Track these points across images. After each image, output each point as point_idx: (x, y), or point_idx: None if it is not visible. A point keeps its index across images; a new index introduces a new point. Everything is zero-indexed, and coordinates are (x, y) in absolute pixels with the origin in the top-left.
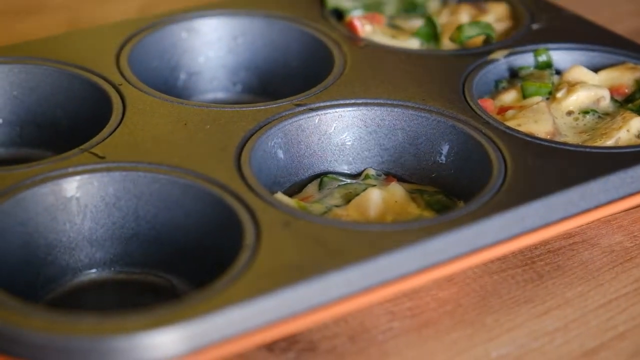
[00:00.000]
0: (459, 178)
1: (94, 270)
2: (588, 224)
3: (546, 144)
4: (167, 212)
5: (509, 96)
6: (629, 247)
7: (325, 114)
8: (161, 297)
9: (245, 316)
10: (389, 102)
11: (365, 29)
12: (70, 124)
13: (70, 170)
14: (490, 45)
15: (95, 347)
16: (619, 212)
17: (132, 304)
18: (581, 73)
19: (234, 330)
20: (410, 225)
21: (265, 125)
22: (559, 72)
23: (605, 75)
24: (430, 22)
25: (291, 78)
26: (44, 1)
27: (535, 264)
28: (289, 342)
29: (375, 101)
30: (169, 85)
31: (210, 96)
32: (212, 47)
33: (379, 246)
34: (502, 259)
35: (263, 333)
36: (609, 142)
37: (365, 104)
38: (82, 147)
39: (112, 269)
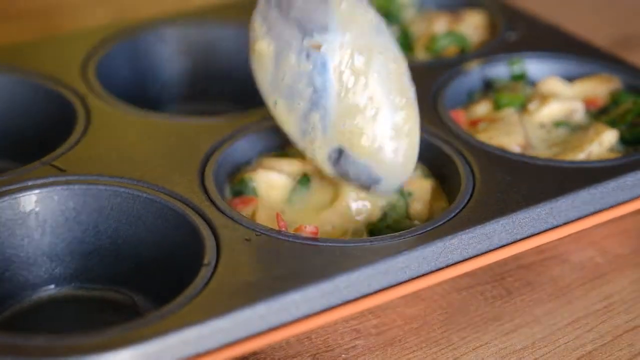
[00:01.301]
0: None
1: (53, 286)
2: (559, 239)
3: (516, 158)
4: (129, 227)
5: (482, 108)
6: (600, 263)
7: None
8: (122, 314)
9: (202, 336)
10: None
11: None
12: (35, 135)
13: (30, 183)
14: (464, 55)
15: None
16: (590, 228)
17: (92, 320)
18: (555, 85)
19: (191, 351)
20: (374, 243)
21: (230, 138)
22: (534, 83)
23: (579, 87)
24: (404, 31)
25: None
26: (24, 6)
27: (504, 279)
28: None
29: None
30: (138, 96)
31: (181, 107)
32: (183, 56)
33: (341, 265)
34: (472, 274)
35: (221, 353)
36: (581, 156)
37: None
38: (42, 159)
39: (72, 284)
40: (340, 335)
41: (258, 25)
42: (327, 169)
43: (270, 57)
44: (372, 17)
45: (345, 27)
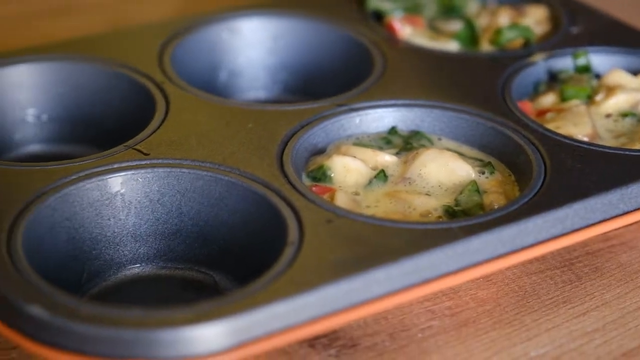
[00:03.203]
0: None
1: (137, 265)
2: (626, 226)
3: (585, 146)
4: (210, 209)
5: (548, 99)
6: None
7: (366, 114)
8: (203, 293)
9: (288, 311)
10: (428, 103)
11: (405, 30)
12: (113, 121)
13: (116, 166)
14: (529, 48)
15: (141, 339)
16: None
17: (174, 298)
18: (620, 76)
19: (277, 325)
20: (451, 224)
21: (307, 124)
22: (598, 76)
23: None
24: (469, 24)
25: (330, 79)
26: (83, 0)
27: (573, 265)
28: (330, 338)
29: (415, 102)
30: (210, 85)
31: (250, 95)
32: (252, 47)
33: (420, 244)
34: (541, 260)
35: (305, 329)
36: None
37: (405, 105)
38: (126, 143)
39: (155, 264)
40: (415, 316)
41: None
42: None
43: None
44: None
45: None
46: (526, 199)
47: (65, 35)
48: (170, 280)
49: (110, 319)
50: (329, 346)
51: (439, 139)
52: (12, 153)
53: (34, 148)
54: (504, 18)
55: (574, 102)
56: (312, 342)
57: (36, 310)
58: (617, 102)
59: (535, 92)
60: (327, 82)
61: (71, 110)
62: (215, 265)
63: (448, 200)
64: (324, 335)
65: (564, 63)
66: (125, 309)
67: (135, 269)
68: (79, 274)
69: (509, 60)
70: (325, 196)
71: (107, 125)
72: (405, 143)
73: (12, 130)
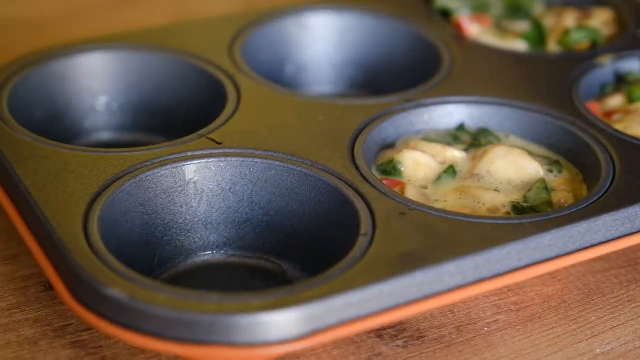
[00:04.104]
0: None
1: (207, 252)
2: None
3: None
4: (281, 199)
5: (615, 100)
6: None
7: (434, 110)
8: (271, 281)
9: (361, 301)
10: (497, 100)
11: (473, 29)
12: (183, 111)
13: (189, 154)
14: (596, 49)
15: (219, 323)
16: None
17: (243, 286)
18: None
19: (349, 315)
20: (522, 220)
21: (377, 118)
22: None
23: None
24: (537, 25)
25: (397, 75)
26: None
27: (638, 265)
28: (398, 329)
29: (484, 99)
30: (277, 77)
31: (317, 90)
32: (320, 42)
33: (492, 239)
34: (605, 259)
35: (375, 319)
36: None
37: (475, 102)
38: (200, 132)
39: (225, 252)
40: (482, 310)
41: None
42: None
43: None
44: None
45: None
46: (596, 198)
47: (131, 26)
48: (240, 268)
49: (189, 304)
50: (396, 337)
51: (507, 137)
52: (82, 140)
53: (104, 135)
54: (570, 19)
55: None
56: (379, 333)
57: (116, 293)
58: None
59: (602, 93)
60: (393, 79)
61: (141, 99)
62: (284, 254)
63: (516, 197)
64: (391, 327)
65: (631, 65)
66: (203, 294)
67: (205, 256)
68: (150, 259)
69: (577, 61)
70: (395, 189)
71: (176, 115)
72: (474, 140)
73: (83, 117)
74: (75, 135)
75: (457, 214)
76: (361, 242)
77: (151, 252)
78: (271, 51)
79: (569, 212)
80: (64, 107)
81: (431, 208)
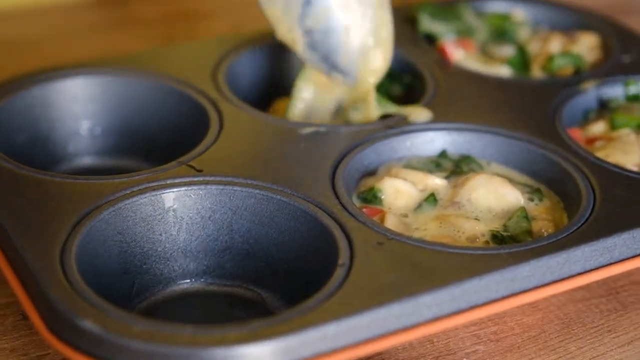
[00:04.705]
0: None
1: (187, 281)
2: None
3: (635, 175)
4: (261, 228)
5: (598, 127)
6: None
7: (417, 137)
8: (250, 310)
9: (338, 333)
10: (479, 127)
11: (457, 54)
12: (166, 136)
13: (169, 182)
14: (580, 75)
15: (194, 356)
16: None
17: (222, 315)
18: None
19: (326, 347)
20: (500, 250)
21: (359, 145)
22: None
23: None
24: (521, 51)
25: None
26: (139, 15)
27: (619, 294)
28: None
29: (466, 126)
30: (261, 103)
31: None
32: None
33: (470, 270)
34: (586, 288)
35: (352, 351)
36: None
37: (456, 129)
38: (180, 159)
39: (204, 280)
40: (461, 340)
41: None
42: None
43: None
44: None
45: None
46: (575, 227)
47: (120, 49)
48: (219, 296)
49: (163, 336)
50: None
51: (489, 164)
52: (64, 165)
53: (87, 161)
54: (555, 44)
55: (624, 131)
56: None
57: (89, 325)
58: None
59: (585, 119)
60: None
61: (124, 123)
62: (264, 283)
63: (496, 226)
64: (369, 358)
65: (615, 91)
66: (178, 326)
67: (184, 285)
68: (128, 287)
69: (560, 87)
70: (375, 218)
71: (159, 140)
72: (455, 167)
73: (66, 142)
74: (59, 160)
75: (435, 243)
76: (339, 272)
77: (130, 281)
78: (255, 76)
79: (548, 242)
80: (47, 132)
81: (409, 238)
